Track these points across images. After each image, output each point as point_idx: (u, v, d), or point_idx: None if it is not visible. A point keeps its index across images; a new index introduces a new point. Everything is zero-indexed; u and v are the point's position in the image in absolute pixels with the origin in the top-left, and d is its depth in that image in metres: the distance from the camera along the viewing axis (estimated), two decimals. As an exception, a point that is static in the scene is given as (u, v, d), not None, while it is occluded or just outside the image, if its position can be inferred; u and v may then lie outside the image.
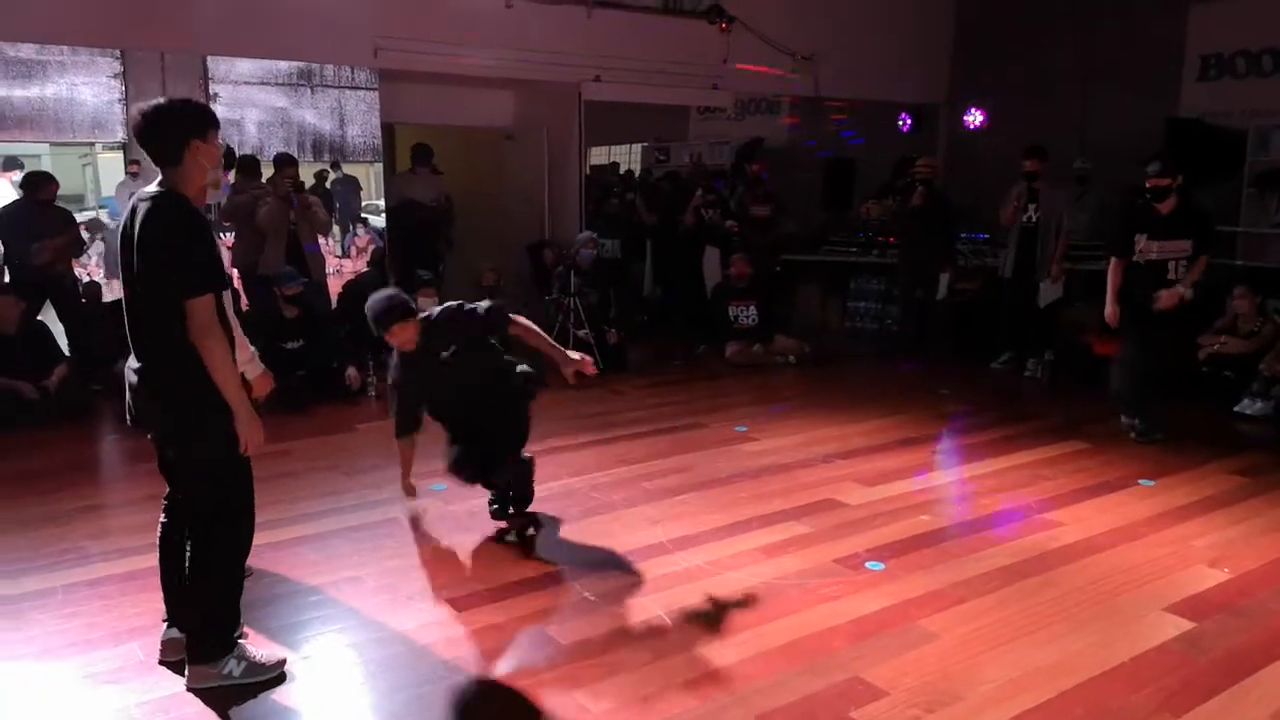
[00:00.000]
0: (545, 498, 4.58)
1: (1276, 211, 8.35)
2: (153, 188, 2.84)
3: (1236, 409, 6.48)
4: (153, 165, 2.85)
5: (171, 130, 2.78)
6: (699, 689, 2.98)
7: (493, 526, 4.32)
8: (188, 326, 2.74)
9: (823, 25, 9.60)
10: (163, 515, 3.11)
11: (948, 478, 5.20)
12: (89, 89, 7.82)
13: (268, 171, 7.50)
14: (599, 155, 13.36)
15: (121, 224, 2.86)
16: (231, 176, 7.34)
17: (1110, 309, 5.86)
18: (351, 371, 6.76)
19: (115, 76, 7.81)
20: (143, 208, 2.79)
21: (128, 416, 2.97)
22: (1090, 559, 4.02)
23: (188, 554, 2.94)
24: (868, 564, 3.94)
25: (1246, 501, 4.76)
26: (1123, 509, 4.63)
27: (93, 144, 11.24)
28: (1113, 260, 5.89)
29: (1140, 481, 5.04)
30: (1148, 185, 5.68)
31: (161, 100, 2.83)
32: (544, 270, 8.73)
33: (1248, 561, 3.99)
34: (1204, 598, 3.65)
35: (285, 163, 7.33)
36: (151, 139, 2.79)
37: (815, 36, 9.54)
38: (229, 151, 7.65)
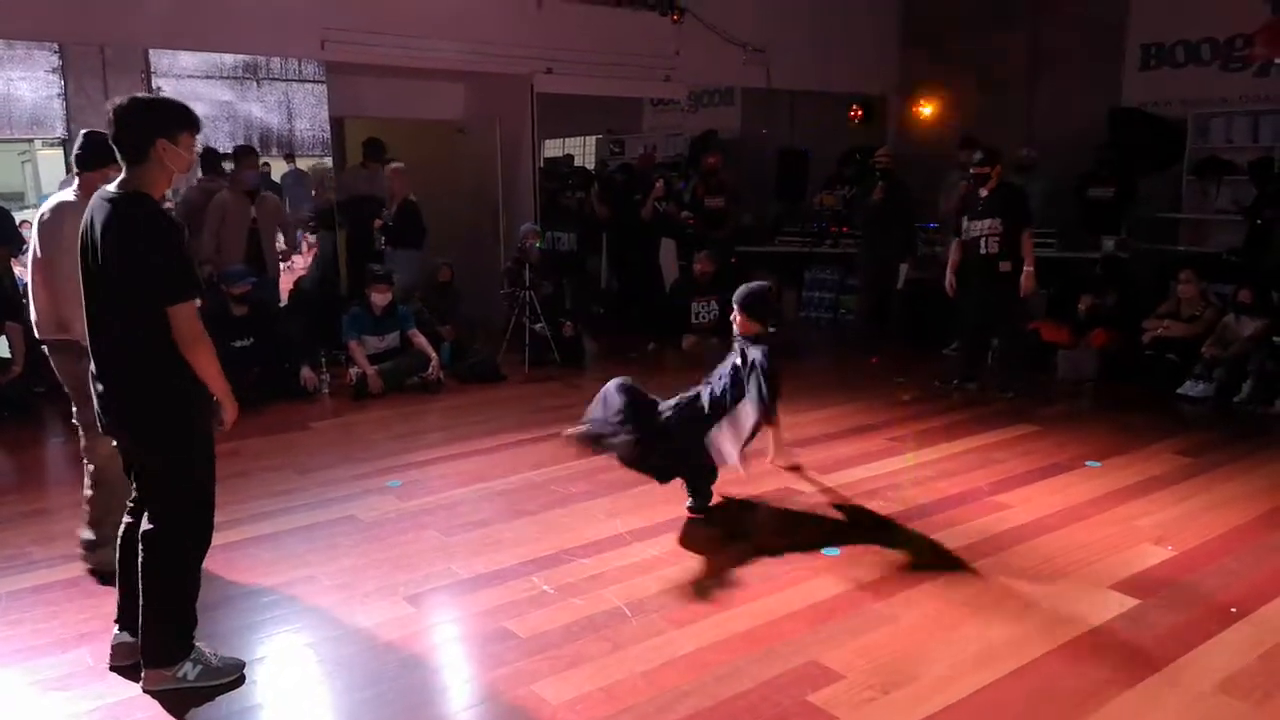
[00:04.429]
0: (504, 491, 4.56)
1: (1217, 198, 8.57)
2: (112, 187, 2.78)
3: (1180, 391, 6.64)
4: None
5: (138, 126, 2.74)
6: (659, 678, 2.99)
7: (449, 524, 4.31)
8: (174, 334, 2.71)
9: (773, 17, 9.66)
10: (127, 516, 3.04)
11: (901, 463, 5.27)
12: (26, 84, 7.58)
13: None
14: (553, 148, 13.30)
15: (82, 226, 2.79)
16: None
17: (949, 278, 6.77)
18: (306, 372, 6.66)
19: (54, 71, 7.58)
20: (104, 209, 2.72)
21: (99, 424, 2.91)
22: (1039, 540, 4.10)
23: (142, 555, 2.89)
24: (824, 550, 3.98)
25: (1189, 481, 4.88)
26: (1070, 490, 4.73)
27: (31, 140, 10.94)
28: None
29: (1087, 463, 5.16)
30: (971, 172, 6.68)
31: (139, 94, 2.83)
32: None
33: (1190, 539, 4.10)
34: (1148, 575, 3.74)
35: (246, 154, 7.22)
36: (118, 133, 2.76)
37: (766, 28, 9.59)
38: (207, 151, 7.52)
